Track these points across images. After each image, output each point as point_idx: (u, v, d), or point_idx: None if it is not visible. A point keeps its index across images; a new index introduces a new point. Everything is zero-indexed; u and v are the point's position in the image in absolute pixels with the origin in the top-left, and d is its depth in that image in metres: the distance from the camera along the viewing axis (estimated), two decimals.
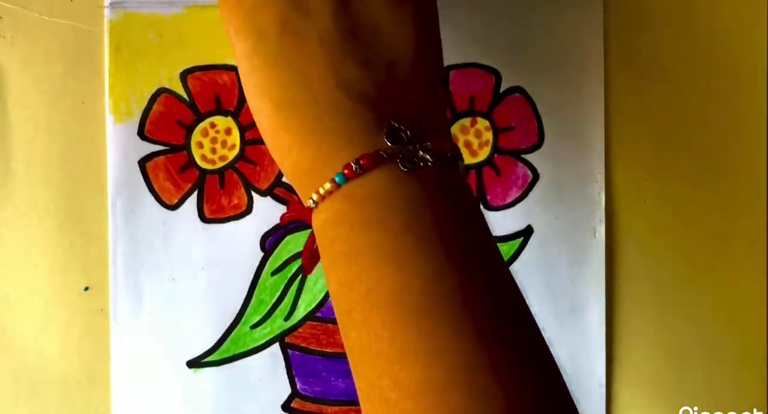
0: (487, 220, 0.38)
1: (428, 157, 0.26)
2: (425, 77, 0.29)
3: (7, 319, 0.38)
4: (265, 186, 0.38)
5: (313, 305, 0.38)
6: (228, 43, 0.37)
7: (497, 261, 0.27)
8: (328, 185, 0.26)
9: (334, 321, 0.38)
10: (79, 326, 0.38)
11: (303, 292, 0.38)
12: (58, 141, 0.38)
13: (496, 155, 0.38)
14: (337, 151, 0.26)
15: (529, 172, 0.38)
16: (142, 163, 0.37)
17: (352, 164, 0.26)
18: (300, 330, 0.38)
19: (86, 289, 0.38)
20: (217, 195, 0.38)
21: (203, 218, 0.38)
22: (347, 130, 0.27)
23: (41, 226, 0.38)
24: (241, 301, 0.38)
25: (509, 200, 0.38)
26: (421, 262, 0.25)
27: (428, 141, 0.27)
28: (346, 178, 0.26)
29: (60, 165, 0.38)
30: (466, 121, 0.38)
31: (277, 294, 0.38)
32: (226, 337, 0.38)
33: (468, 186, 0.29)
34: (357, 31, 0.28)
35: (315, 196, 0.27)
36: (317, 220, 0.27)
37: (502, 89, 0.38)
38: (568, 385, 0.38)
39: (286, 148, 0.27)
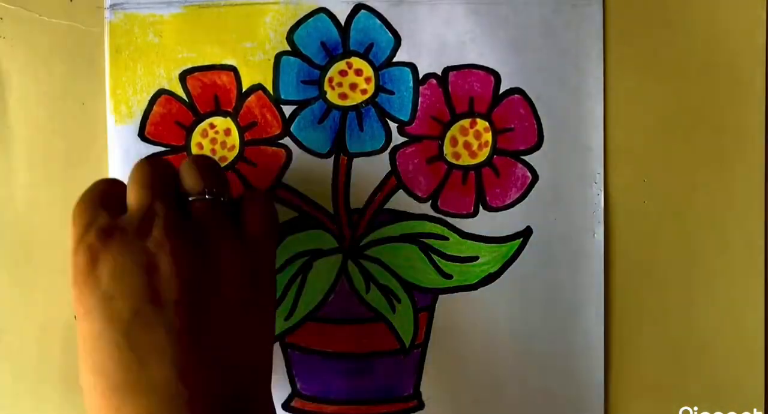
0: (487, 221, 0.38)
1: None
2: (261, 363, 0.32)
3: (7, 319, 0.38)
4: (264, 187, 0.38)
5: (313, 305, 0.38)
6: (227, 44, 0.37)
7: None
8: None
9: (334, 321, 0.38)
10: None
11: (303, 292, 0.38)
12: (59, 142, 0.38)
13: (495, 156, 0.38)
14: None
15: (528, 173, 0.38)
16: None
17: None
18: (300, 330, 0.38)
19: None
20: None
21: None
22: None
23: (42, 227, 0.38)
24: None
25: (508, 201, 0.38)
26: None
27: None
28: None
29: (61, 166, 0.38)
30: (465, 122, 0.38)
31: (278, 294, 0.38)
32: None
33: None
34: (206, 330, 0.29)
35: None
36: None
37: (501, 90, 0.38)
38: (567, 385, 0.38)
39: None
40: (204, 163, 0.33)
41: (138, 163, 0.32)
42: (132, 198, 0.31)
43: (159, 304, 0.29)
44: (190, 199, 0.32)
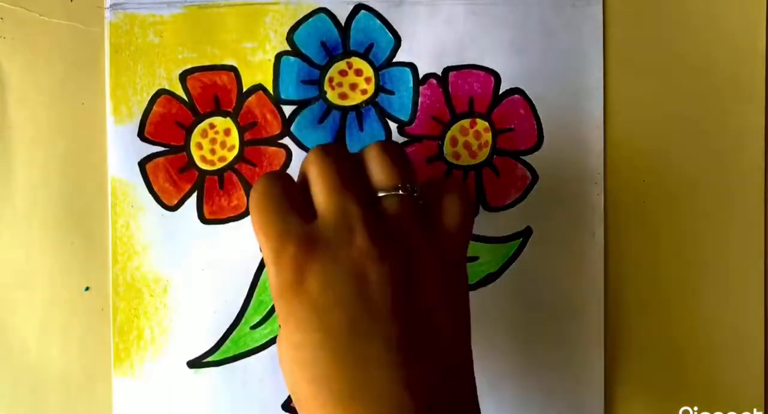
0: (487, 221, 0.38)
1: None
2: (471, 370, 0.31)
3: (7, 319, 0.38)
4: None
5: None
6: (227, 44, 0.37)
7: None
8: None
9: None
10: (79, 326, 0.38)
11: None
12: (59, 142, 0.38)
13: (495, 156, 0.38)
14: None
15: (528, 174, 0.38)
16: (142, 164, 0.37)
17: None
18: None
19: (87, 289, 0.38)
20: (217, 196, 0.38)
21: (203, 219, 0.38)
22: None
23: (42, 227, 0.38)
24: (241, 302, 0.38)
25: (508, 201, 0.38)
26: None
27: None
28: None
29: (60, 166, 0.38)
30: (465, 123, 0.38)
31: None
32: (227, 338, 0.38)
33: None
34: (419, 334, 0.29)
35: None
36: None
37: (501, 90, 0.38)
38: (567, 385, 0.38)
39: None
40: (393, 154, 0.31)
41: (317, 155, 0.31)
42: (321, 197, 0.30)
43: (373, 313, 0.28)
44: (380, 195, 0.31)
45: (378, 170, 0.31)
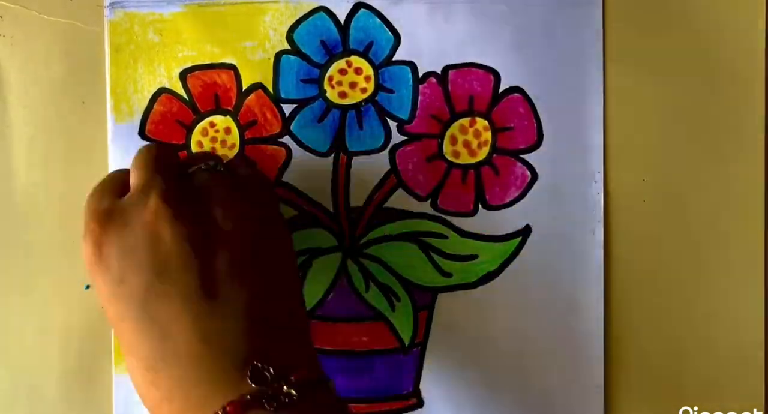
0: (486, 219, 0.38)
1: (293, 391, 0.28)
2: (287, 313, 0.31)
3: (8, 319, 0.38)
4: None
5: (313, 304, 0.38)
6: (227, 43, 0.37)
7: None
8: None
9: (334, 320, 0.38)
10: (80, 325, 0.38)
11: (303, 290, 0.38)
12: (59, 141, 0.38)
13: (495, 155, 0.38)
14: (204, 401, 0.28)
15: (527, 172, 0.38)
16: None
17: (219, 413, 0.27)
18: None
19: (87, 287, 0.38)
20: None
21: None
22: (212, 381, 0.28)
23: (42, 226, 0.38)
24: None
25: (508, 200, 0.38)
26: None
27: (293, 373, 0.28)
28: None
29: (61, 164, 0.38)
30: (465, 121, 0.38)
31: None
32: None
33: (339, 406, 0.30)
34: (216, 288, 0.29)
35: None
36: None
37: (501, 89, 0.38)
38: (567, 384, 0.38)
39: (158, 402, 0.28)
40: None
41: (139, 149, 0.33)
42: (132, 179, 0.31)
43: (168, 272, 0.29)
44: (189, 171, 0.32)
45: (189, 154, 0.34)
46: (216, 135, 0.38)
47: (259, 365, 0.28)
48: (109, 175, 0.33)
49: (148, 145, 0.33)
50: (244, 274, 0.30)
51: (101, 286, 0.29)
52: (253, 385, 0.27)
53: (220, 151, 0.38)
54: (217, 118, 0.38)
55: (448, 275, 0.38)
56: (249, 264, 0.30)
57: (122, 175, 0.32)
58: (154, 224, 0.29)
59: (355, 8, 0.38)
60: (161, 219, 0.29)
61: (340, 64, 0.38)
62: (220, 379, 0.28)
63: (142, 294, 0.29)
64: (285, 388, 0.28)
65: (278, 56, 0.38)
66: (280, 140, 0.38)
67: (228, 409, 0.27)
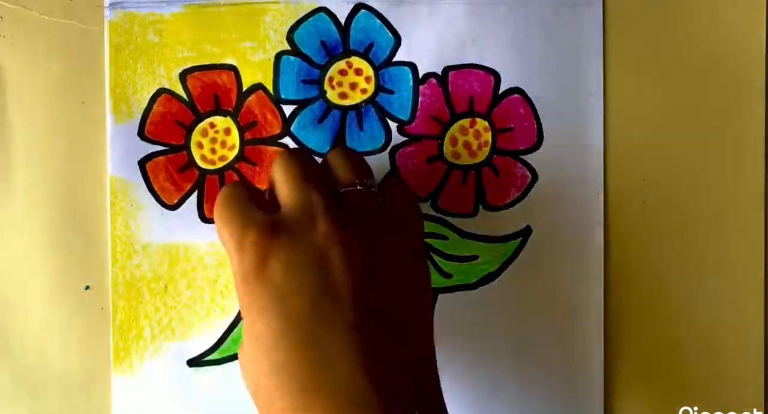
0: (486, 220, 0.38)
1: None
2: (434, 361, 0.31)
3: (7, 319, 0.38)
4: (264, 186, 0.38)
5: None
6: (227, 43, 0.37)
7: None
8: None
9: None
10: (79, 325, 0.38)
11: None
12: (59, 141, 0.38)
13: (495, 156, 0.38)
14: None
15: (528, 173, 0.38)
16: (143, 163, 0.37)
17: None
18: None
19: (87, 288, 0.38)
20: (217, 195, 0.38)
21: (203, 218, 0.38)
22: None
23: (41, 226, 0.38)
24: None
25: (508, 201, 0.38)
26: None
27: None
28: None
29: (60, 165, 0.38)
30: (465, 122, 0.38)
31: None
32: (227, 336, 0.38)
33: None
34: (382, 322, 0.29)
35: None
36: None
37: (501, 90, 0.38)
38: (567, 385, 0.38)
39: None
40: (353, 155, 0.33)
41: (281, 156, 0.32)
42: (285, 192, 0.31)
43: (336, 297, 0.28)
44: (342, 190, 0.31)
45: (340, 169, 0.32)
46: (216, 136, 0.38)
47: (416, 412, 0.28)
48: (236, 187, 0.32)
49: (289, 152, 0.32)
50: (401, 311, 0.30)
51: (258, 298, 0.29)
52: None
53: (220, 152, 0.38)
54: (217, 119, 0.38)
55: (449, 276, 0.38)
56: (404, 302, 0.30)
57: (250, 188, 0.32)
58: (326, 248, 0.29)
59: (356, 9, 0.38)
60: (332, 244, 0.29)
61: (341, 64, 0.38)
62: None
63: (308, 314, 0.28)
64: None
65: (278, 57, 0.38)
66: (280, 141, 0.38)
67: None
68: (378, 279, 0.29)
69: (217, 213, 0.31)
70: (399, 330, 0.29)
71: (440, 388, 0.31)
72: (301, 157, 0.32)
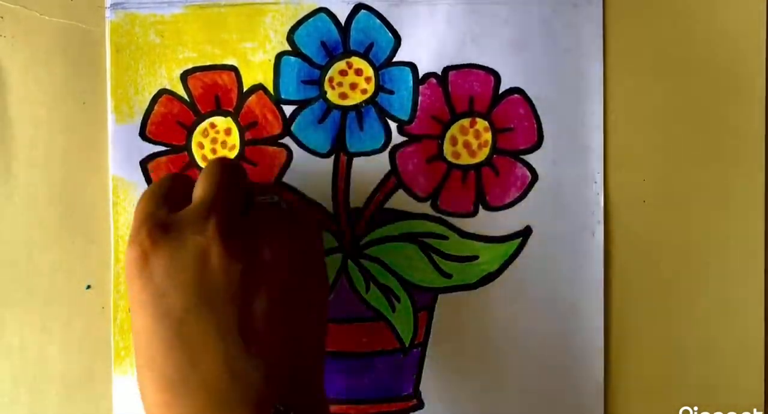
0: (486, 220, 0.38)
1: None
2: (312, 358, 0.32)
3: (8, 319, 0.38)
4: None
5: None
6: (228, 44, 0.37)
7: None
8: None
9: (333, 320, 0.38)
10: (80, 324, 0.38)
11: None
12: (60, 141, 0.38)
13: (495, 156, 0.38)
14: None
15: (528, 173, 0.38)
16: (144, 163, 0.38)
17: None
18: None
19: (88, 287, 0.38)
20: None
21: None
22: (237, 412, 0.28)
23: (42, 225, 0.38)
24: None
25: (508, 201, 0.38)
26: None
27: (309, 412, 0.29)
28: None
29: (61, 165, 0.38)
30: (465, 122, 0.38)
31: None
32: None
33: None
34: (252, 327, 0.29)
35: None
36: None
37: (501, 90, 0.38)
38: (567, 385, 0.38)
39: None
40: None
41: (212, 161, 0.33)
42: (197, 192, 0.31)
43: (211, 298, 0.29)
44: (256, 200, 0.32)
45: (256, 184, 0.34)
46: (216, 136, 0.38)
47: (281, 408, 0.28)
48: (165, 181, 0.33)
49: (223, 158, 0.34)
50: (281, 320, 0.30)
51: (137, 294, 0.29)
52: None
53: (221, 152, 0.38)
54: (218, 119, 0.38)
55: (449, 276, 0.38)
56: (287, 310, 0.30)
57: (180, 182, 0.32)
58: (207, 249, 0.29)
59: (356, 9, 0.38)
60: (214, 247, 0.29)
61: (341, 65, 0.38)
62: None
63: (181, 313, 0.28)
64: None
65: (279, 57, 0.38)
66: (280, 141, 0.38)
67: None
68: (260, 281, 0.30)
69: (137, 203, 0.32)
70: (279, 333, 0.30)
71: (323, 394, 0.32)
72: (227, 163, 0.33)
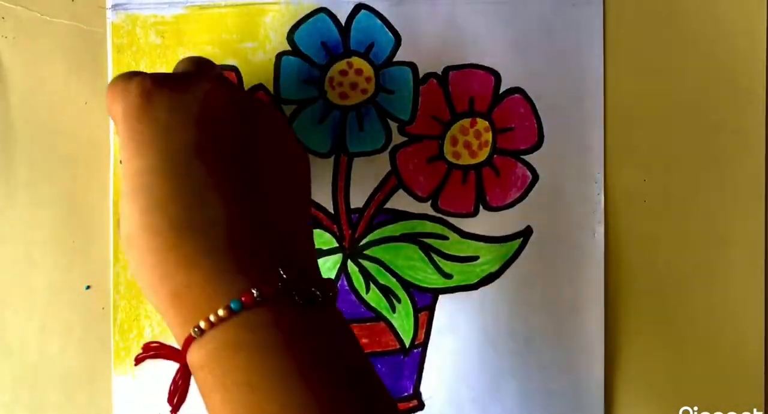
0: (487, 220, 0.38)
1: (318, 292, 0.27)
2: (305, 218, 0.32)
3: (8, 319, 0.38)
4: None
5: None
6: (228, 44, 0.37)
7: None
8: (221, 312, 0.26)
9: None
10: (80, 325, 0.38)
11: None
12: (61, 141, 0.38)
13: (495, 156, 0.38)
14: (232, 277, 0.26)
15: (528, 173, 0.38)
16: None
17: (254, 292, 0.26)
18: None
19: (88, 287, 0.38)
20: None
21: None
22: (244, 258, 0.27)
23: (43, 226, 0.38)
24: None
25: (509, 201, 0.38)
26: (320, 384, 0.25)
27: (311, 279, 0.28)
28: (243, 306, 0.26)
29: (62, 165, 0.38)
30: (465, 122, 0.38)
31: None
32: None
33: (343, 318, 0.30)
34: (255, 169, 0.29)
35: (203, 324, 0.26)
36: (202, 349, 0.26)
37: (501, 90, 0.38)
38: (567, 385, 0.38)
39: (172, 268, 0.26)
40: None
41: (183, 57, 0.33)
42: (179, 68, 0.32)
43: (217, 135, 0.28)
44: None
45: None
46: None
47: (286, 263, 0.27)
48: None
49: (191, 54, 0.35)
50: (279, 174, 0.30)
51: (139, 134, 0.28)
52: (284, 276, 0.27)
53: None
54: None
55: (449, 276, 0.38)
56: (278, 167, 0.30)
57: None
58: (212, 93, 0.29)
59: (356, 9, 0.38)
60: (220, 90, 0.29)
61: (341, 65, 0.38)
62: (253, 259, 0.27)
63: (190, 149, 0.27)
64: (312, 289, 0.27)
65: (279, 57, 0.38)
66: None
67: (264, 290, 0.26)
68: (257, 132, 0.30)
69: (109, 86, 0.30)
70: (274, 185, 0.29)
71: (314, 248, 0.32)
72: (199, 57, 0.33)
